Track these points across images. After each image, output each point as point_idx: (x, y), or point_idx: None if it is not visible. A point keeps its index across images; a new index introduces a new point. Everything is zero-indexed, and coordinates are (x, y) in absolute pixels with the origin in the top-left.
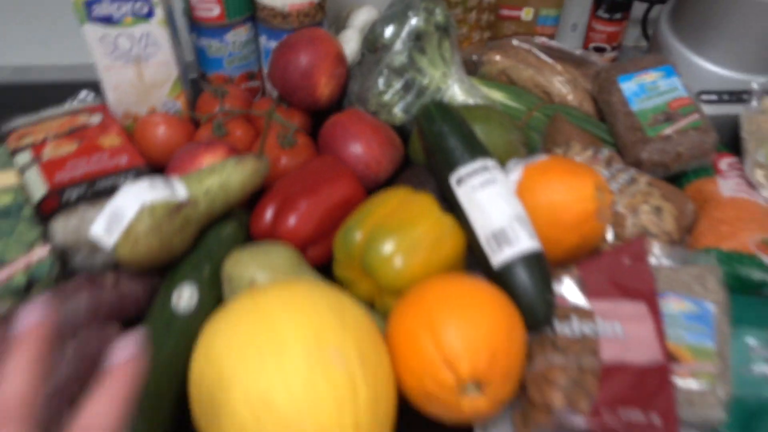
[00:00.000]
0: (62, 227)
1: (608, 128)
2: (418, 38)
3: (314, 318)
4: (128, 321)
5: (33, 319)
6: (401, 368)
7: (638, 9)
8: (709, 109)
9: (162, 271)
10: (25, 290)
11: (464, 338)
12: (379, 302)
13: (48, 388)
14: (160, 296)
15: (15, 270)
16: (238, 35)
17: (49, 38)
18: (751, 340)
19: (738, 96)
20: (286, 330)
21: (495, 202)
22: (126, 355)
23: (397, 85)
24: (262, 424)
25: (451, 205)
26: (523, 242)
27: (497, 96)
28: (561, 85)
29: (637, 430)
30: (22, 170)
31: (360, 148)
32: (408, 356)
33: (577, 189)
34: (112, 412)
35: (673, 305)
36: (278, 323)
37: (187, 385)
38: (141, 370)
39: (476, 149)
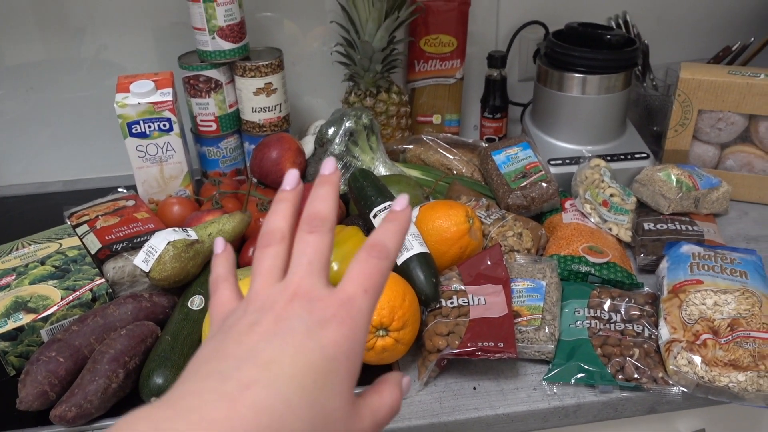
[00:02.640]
0: (112, 267)
1: (489, 187)
2: (351, 134)
3: None
4: (159, 321)
5: (331, 168)
6: None
7: (517, 110)
8: (556, 170)
9: (179, 291)
10: (92, 302)
11: None
12: None
13: (111, 353)
14: (180, 302)
15: (84, 291)
16: (229, 143)
17: (90, 158)
18: (576, 307)
19: (575, 159)
20: None
21: None
22: (331, 168)
23: (339, 166)
24: None
25: (371, 231)
26: (416, 248)
27: (414, 172)
28: (458, 163)
29: (488, 350)
30: (83, 236)
31: None
32: None
33: (453, 216)
34: (330, 198)
35: (519, 285)
36: None
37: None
38: (410, 218)
39: (386, 195)
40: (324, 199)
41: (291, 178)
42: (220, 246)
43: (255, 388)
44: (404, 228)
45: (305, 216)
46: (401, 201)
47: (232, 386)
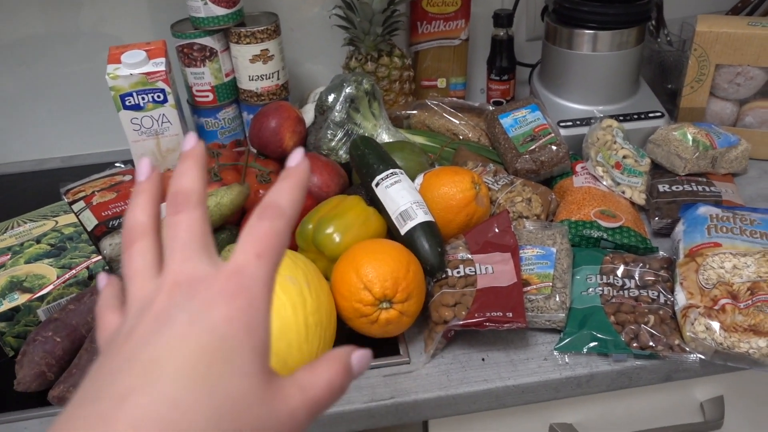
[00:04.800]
0: (109, 244)
1: (496, 152)
2: (352, 101)
3: None
4: None
5: (192, 143)
6: (338, 296)
7: (525, 72)
8: (566, 132)
9: None
10: (89, 280)
11: (376, 270)
12: (330, 272)
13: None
14: None
15: (80, 269)
16: (227, 114)
17: (88, 133)
18: (588, 273)
19: (586, 121)
20: None
21: (400, 193)
22: (298, 159)
23: (340, 134)
24: None
25: (373, 201)
26: (420, 217)
27: (419, 139)
28: (464, 128)
29: (497, 320)
30: (79, 213)
31: (316, 178)
32: (341, 286)
33: (459, 183)
34: (192, 170)
35: (528, 252)
36: None
37: None
38: (308, 171)
39: (388, 163)
40: (184, 173)
41: (143, 167)
42: (103, 280)
43: (132, 398)
44: (300, 182)
45: (168, 198)
46: (296, 154)
47: (105, 404)
